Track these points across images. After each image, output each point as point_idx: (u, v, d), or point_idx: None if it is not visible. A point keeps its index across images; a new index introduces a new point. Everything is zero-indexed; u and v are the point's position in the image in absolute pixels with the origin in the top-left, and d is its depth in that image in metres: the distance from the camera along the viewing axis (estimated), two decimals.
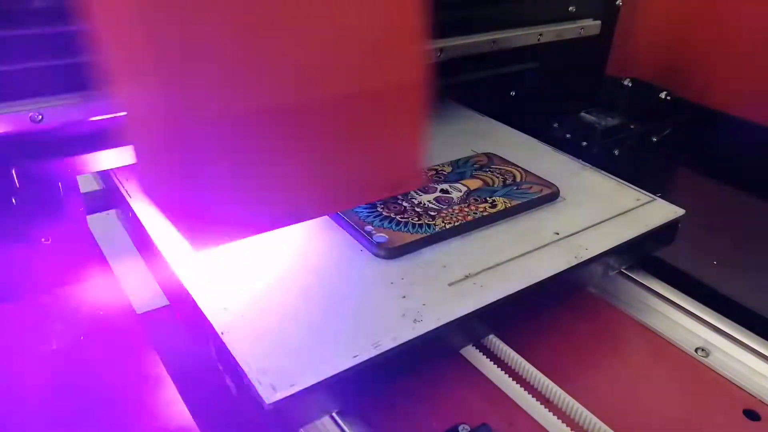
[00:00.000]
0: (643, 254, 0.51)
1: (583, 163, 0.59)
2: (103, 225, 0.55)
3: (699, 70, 0.69)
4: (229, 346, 0.36)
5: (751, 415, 0.42)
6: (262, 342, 0.36)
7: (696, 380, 0.44)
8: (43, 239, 0.49)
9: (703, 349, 0.47)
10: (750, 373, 0.45)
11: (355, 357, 0.35)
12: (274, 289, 0.40)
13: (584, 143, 0.65)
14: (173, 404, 0.37)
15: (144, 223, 0.47)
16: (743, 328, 0.48)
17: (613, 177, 0.57)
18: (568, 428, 0.38)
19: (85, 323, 0.43)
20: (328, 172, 0.33)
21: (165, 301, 0.51)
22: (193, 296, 0.39)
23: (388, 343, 0.36)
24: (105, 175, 0.56)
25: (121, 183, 0.52)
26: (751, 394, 0.43)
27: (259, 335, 0.36)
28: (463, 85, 0.67)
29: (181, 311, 0.44)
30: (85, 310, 0.44)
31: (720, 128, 0.75)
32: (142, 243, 0.49)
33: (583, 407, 0.39)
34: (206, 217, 0.30)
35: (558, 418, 0.39)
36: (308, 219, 0.37)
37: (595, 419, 0.39)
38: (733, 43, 0.74)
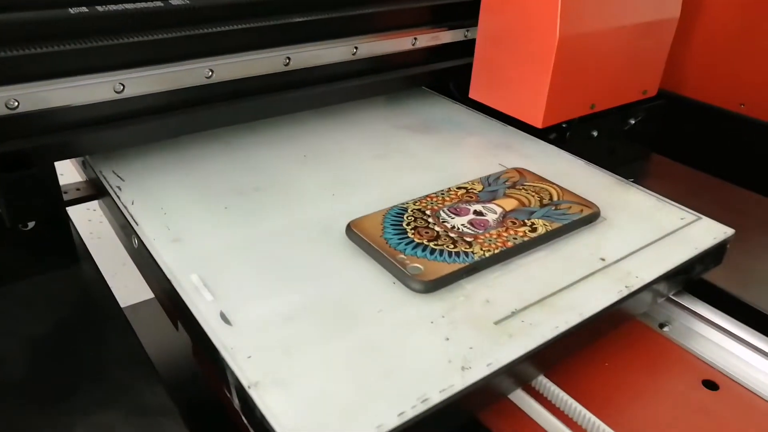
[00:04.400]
0: (691, 278, 0.48)
1: (616, 176, 0.56)
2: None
3: (670, 58, 0.70)
4: (258, 403, 0.32)
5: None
6: (294, 398, 0.32)
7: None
8: (20, 225, 0.46)
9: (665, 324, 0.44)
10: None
11: (400, 415, 0.31)
12: (302, 334, 0.36)
13: (563, 125, 0.65)
14: (151, 384, 0.38)
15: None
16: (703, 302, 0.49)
17: (652, 192, 0.53)
18: None
19: (65, 310, 0.43)
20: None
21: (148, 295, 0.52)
22: (214, 344, 0.35)
23: (436, 396, 0.32)
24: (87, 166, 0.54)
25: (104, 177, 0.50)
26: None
27: (290, 391, 0.32)
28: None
29: (201, 354, 0.40)
30: (65, 297, 0.44)
31: (691, 114, 0.78)
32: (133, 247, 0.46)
33: None
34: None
35: None
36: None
37: None
38: (701, 31, 0.77)
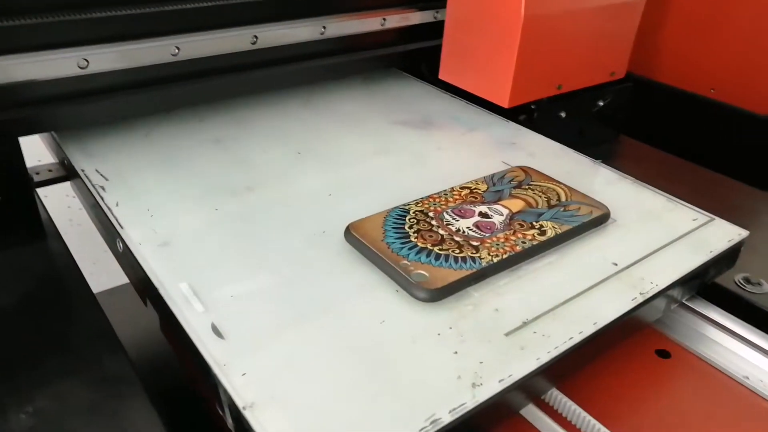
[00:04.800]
0: (704, 282, 0.46)
1: (622, 174, 0.53)
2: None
3: (639, 42, 0.71)
4: (254, 425, 0.29)
5: None
6: (293, 420, 0.30)
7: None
8: None
9: None
10: None
11: None
12: (300, 349, 0.34)
13: (532, 106, 0.65)
14: (115, 355, 0.37)
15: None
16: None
17: (661, 192, 0.51)
18: None
19: (30, 283, 0.43)
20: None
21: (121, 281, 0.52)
22: (206, 360, 0.33)
23: (446, 417, 0.30)
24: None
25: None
26: None
27: (288, 412, 0.30)
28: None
29: (188, 364, 0.37)
30: (32, 272, 0.44)
31: (661, 98, 0.79)
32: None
33: None
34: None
35: None
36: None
37: None
38: (673, 16, 0.76)
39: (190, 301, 0.36)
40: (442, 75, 0.66)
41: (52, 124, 0.49)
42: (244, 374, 0.32)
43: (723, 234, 0.46)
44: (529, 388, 0.34)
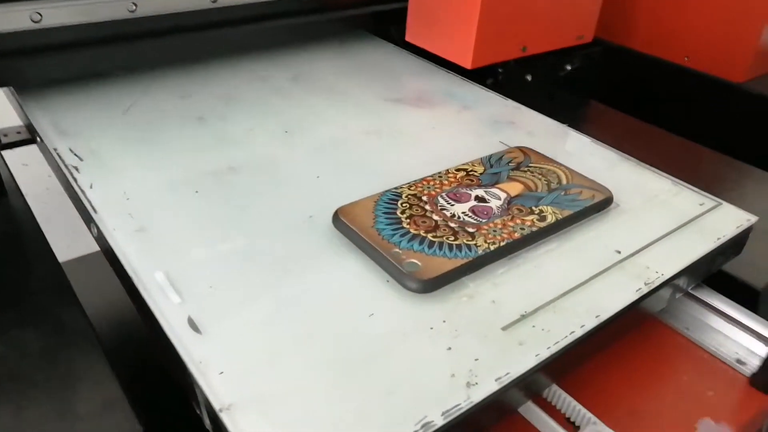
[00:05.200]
0: (711, 270, 0.44)
1: (625, 155, 0.51)
2: None
3: (609, 7, 0.71)
4: (231, 428, 0.27)
5: None
6: (273, 423, 0.27)
7: None
8: None
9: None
10: None
11: None
12: (282, 344, 0.32)
13: (499, 69, 0.64)
14: (70, 308, 0.37)
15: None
16: None
17: (665, 174, 0.49)
18: None
19: None
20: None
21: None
22: (182, 357, 0.30)
23: (438, 419, 0.28)
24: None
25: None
26: None
27: (268, 414, 0.28)
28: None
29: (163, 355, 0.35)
30: None
31: (635, 65, 0.78)
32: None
33: None
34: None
35: None
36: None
37: None
38: None
39: (165, 291, 0.34)
40: (409, 37, 0.65)
41: (5, 79, 0.48)
42: (221, 373, 0.29)
43: (731, 219, 0.44)
44: (528, 386, 0.32)
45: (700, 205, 0.45)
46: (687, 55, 0.73)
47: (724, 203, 0.46)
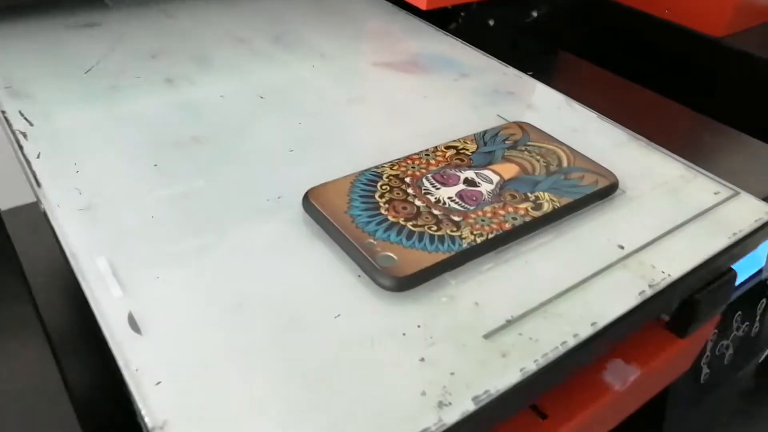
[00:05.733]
0: (721, 269, 0.39)
1: (630, 132, 0.46)
2: None
3: None
4: None
5: None
6: None
7: None
8: None
9: None
10: None
11: None
12: (231, 351, 0.28)
13: (461, 13, 0.61)
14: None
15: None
16: None
17: (678, 158, 0.44)
18: None
19: None
20: None
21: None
22: (116, 360, 0.27)
23: None
24: None
25: None
26: None
27: None
28: None
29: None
30: None
31: (599, 12, 0.76)
32: None
33: None
34: None
35: None
36: None
37: None
38: None
39: (106, 281, 0.30)
40: None
41: None
42: (158, 383, 0.26)
43: (749, 211, 0.40)
44: (510, 404, 0.28)
45: (715, 194, 0.41)
46: (668, 7, 0.71)
47: (742, 193, 0.41)
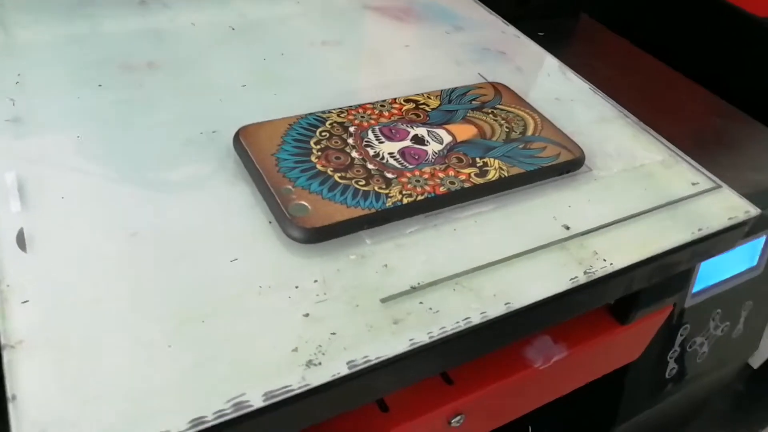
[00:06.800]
0: (681, 267, 0.36)
1: (621, 109, 0.43)
2: None
3: None
4: (7, 368, 0.23)
5: None
6: (61, 378, 0.23)
7: None
8: None
9: None
10: None
11: (194, 421, 0.22)
12: (115, 279, 0.27)
13: None
14: None
15: None
16: None
17: (664, 141, 0.41)
18: None
19: None
20: None
21: None
22: None
23: (256, 401, 0.23)
24: None
25: None
26: None
27: (60, 366, 0.23)
28: None
29: None
30: None
31: None
32: None
33: None
34: None
35: None
36: None
37: None
38: None
39: (8, 195, 0.29)
40: None
41: None
42: (25, 302, 0.25)
43: (725, 207, 0.36)
44: (391, 377, 0.26)
45: (693, 184, 0.37)
46: None
47: (724, 187, 0.38)
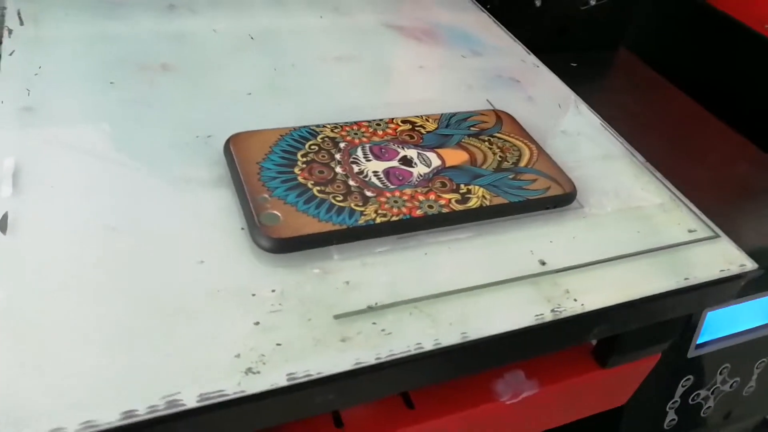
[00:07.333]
0: (662, 317, 0.35)
1: (629, 147, 0.42)
2: None
3: None
4: None
5: None
6: (15, 354, 0.24)
7: None
8: None
9: None
10: None
11: (125, 413, 0.23)
12: (83, 267, 0.28)
13: None
14: None
15: None
16: None
17: (669, 184, 0.39)
18: None
19: None
20: None
21: None
22: None
23: (189, 400, 0.24)
24: None
25: None
26: None
27: (15, 339, 0.25)
28: None
29: None
30: None
31: (679, 12, 0.65)
32: None
33: None
34: None
35: None
36: None
37: None
38: None
39: (2, 180, 0.31)
40: None
41: None
42: None
43: (720, 259, 0.35)
44: (333, 395, 0.27)
45: (690, 231, 0.36)
46: None
47: (722, 237, 0.36)
